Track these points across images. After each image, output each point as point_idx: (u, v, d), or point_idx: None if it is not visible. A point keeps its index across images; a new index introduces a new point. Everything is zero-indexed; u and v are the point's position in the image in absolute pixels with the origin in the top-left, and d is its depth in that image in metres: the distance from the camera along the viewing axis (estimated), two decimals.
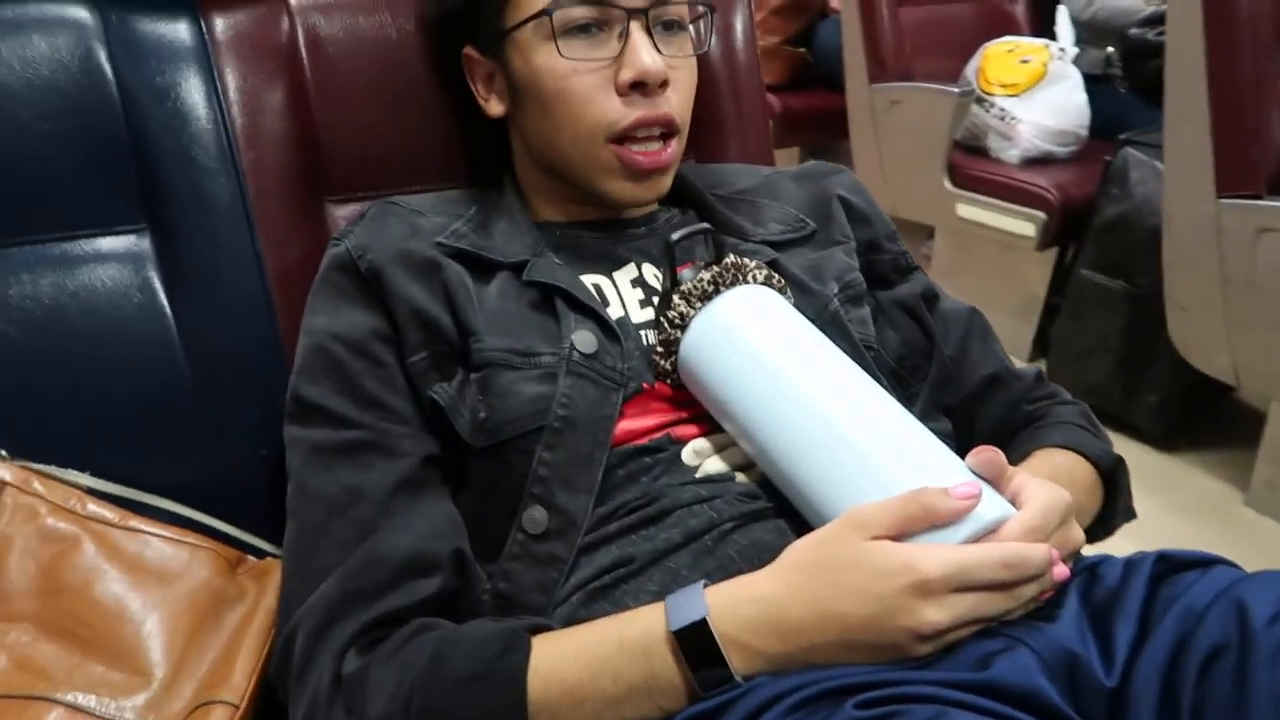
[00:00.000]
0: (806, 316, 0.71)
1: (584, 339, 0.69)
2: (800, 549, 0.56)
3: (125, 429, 0.75)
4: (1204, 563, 0.59)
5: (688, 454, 0.68)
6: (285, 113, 0.80)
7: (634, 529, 0.65)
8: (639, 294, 0.76)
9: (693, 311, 0.68)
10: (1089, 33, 2.31)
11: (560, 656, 0.57)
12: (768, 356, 0.66)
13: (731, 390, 0.66)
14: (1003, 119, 2.12)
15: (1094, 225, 1.88)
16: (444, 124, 0.87)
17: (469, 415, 0.67)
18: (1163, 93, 1.59)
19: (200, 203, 0.76)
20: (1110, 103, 2.20)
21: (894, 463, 0.59)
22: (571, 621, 0.62)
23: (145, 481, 0.73)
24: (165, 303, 0.75)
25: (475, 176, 0.87)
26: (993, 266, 2.21)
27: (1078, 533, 0.60)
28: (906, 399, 0.80)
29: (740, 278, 0.70)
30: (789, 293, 0.74)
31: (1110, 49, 2.25)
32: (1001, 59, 2.15)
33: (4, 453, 0.68)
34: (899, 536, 0.54)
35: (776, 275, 0.73)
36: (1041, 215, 1.99)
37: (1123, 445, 1.85)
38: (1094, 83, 2.20)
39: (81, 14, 0.74)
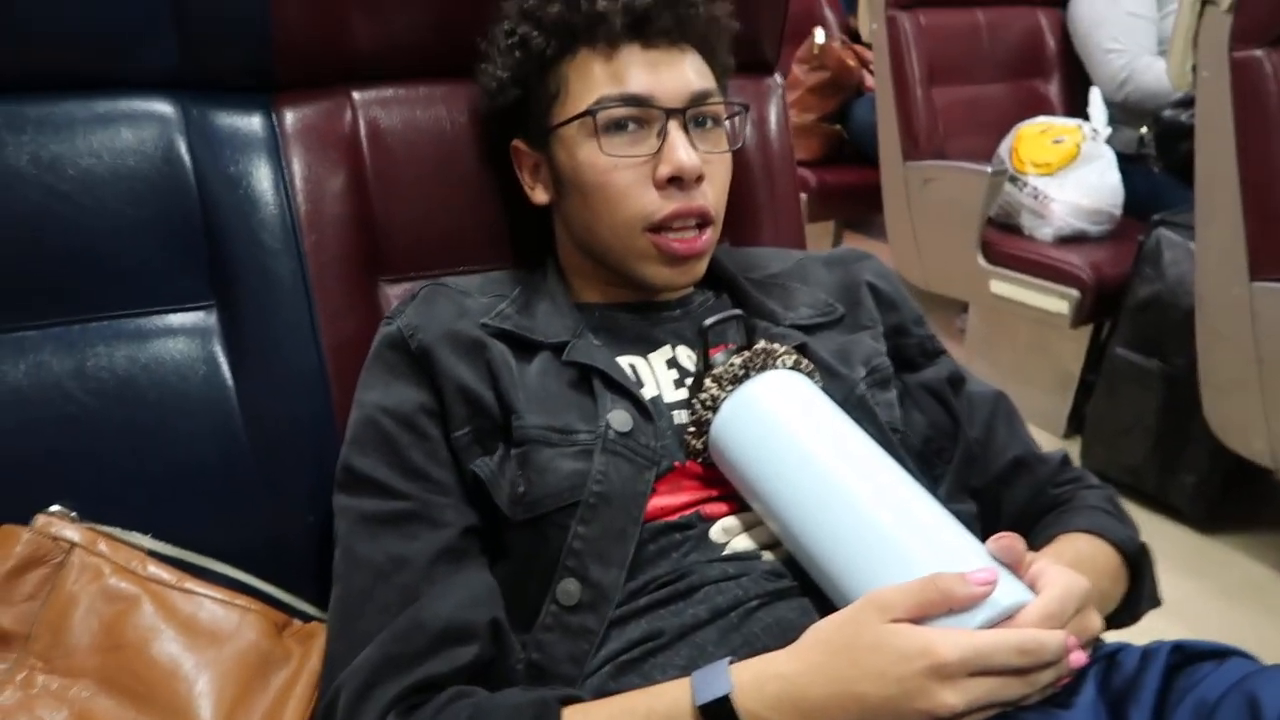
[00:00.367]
0: (834, 399, 0.74)
1: (619, 418, 0.72)
2: (822, 629, 0.59)
3: (185, 494, 0.79)
4: (1220, 654, 0.60)
5: (716, 531, 0.71)
6: (345, 198, 0.86)
7: (663, 604, 0.68)
8: (673, 375, 0.80)
9: (724, 394, 0.72)
10: (1122, 113, 2.34)
11: None
12: (794, 440, 0.68)
13: (759, 471, 0.69)
14: (1036, 198, 2.14)
15: (1128, 304, 1.89)
16: (492, 210, 0.92)
17: (508, 489, 0.70)
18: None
19: (264, 282, 0.81)
20: (1144, 182, 2.22)
21: (915, 546, 0.61)
22: (601, 693, 0.64)
23: (201, 544, 0.77)
24: (228, 375, 0.80)
25: (520, 259, 0.92)
26: (1027, 342, 2.22)
27: (1096, 620, 0.62)
28: (932, 480, 0.82)
29: (770, 363, 0.73)
30: (817, 376, 0.76)
31: (1144, 130, 2.28)
32: (1035, 139, 2.18)
33: (74, 515, 0.72)
34: (918, 619, 0.56)
35: (805, 360, 0.76)
36: (1075, 293, 2.00)
37: (1162, 527, 1.85)
38: (1128, 162, 2.23)
39: (166, 108, 0.81)
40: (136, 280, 0.79)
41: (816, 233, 2.98)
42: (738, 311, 0.78)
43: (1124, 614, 0.79)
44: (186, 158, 0.80)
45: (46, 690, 0.66)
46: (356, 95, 0.88)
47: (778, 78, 1.09)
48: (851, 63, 2.74)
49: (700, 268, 0.82)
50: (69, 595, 0.69)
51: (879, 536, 0.62)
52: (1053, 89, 2.53)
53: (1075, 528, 0.78)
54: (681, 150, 0.75)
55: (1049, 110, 2.45)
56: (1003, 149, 2.23)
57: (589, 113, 0.76)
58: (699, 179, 0.77)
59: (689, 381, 0.79)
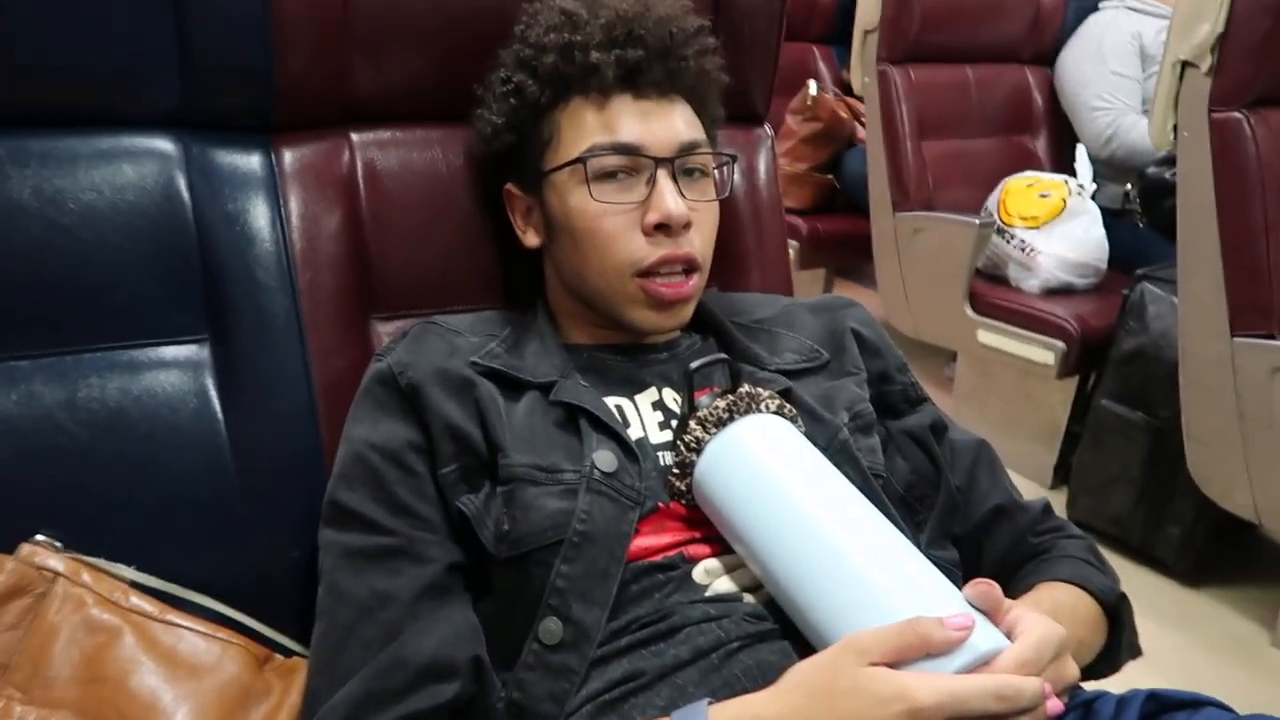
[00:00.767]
0: (817, 444, 0.75)
1: (604, 458, 0.73)
2: (801, 672, 0.59)
3: (172, 526, 0.79)
4: (1194, 704, 0.60)
5: (699, 573, 0.72)
6: (341, 237, 0.87)
7: (644, 644, 0.68)
8: (659, 416, 0.81)
9: (707, 437, 0.73)
10: (1108, 170, 2.39)
11: None
12: (776, 483, 0.69)
13: (741, 514, 0.69)
14: (1023, 250, 2.18)
15: (1113, 357, 1.91)
16: (484, 251, 0.94)
17: (493, 526, 0.71)
18: None
19: (258, 317, 0.82)
20: (1130, 237, 2.26)
21: (893, 591, 0.61)
22: None
23: (186, 576, 0.77)
24: (219, 409, 0.81)
25: (511, 300, 0.94)
26: (1014, 391, 2.24)
27: (1072, 668, 0.62)
28: (915, 526, 0.83)
29: (754, 406, 0.74)
30: (799, 421, 0.78)
31: (1129, 186, 2.32)
32: (1022, 193, 2.22)
33: (58, 544, 0.73)
34: (896, 663, 0.57)
35: (788, 405, 0.77)
36: (1061, 345, 2.03)
37: (1147, 579, 1.85)
38: (1114, 217, 2.27)
39: (167, 146, 0.82)
40: (131, 313, 0.79)
41: (807, 280, 3.02)
42: (723, 355, 0.79)
43: (1103, 663, 0.79)
44: (186, 194, 0.81)
45: None
46: (355, 136, 0.90)
47: (767, 128, 1.11)
48: (844, 114, 2.79)
49: (686, 312, 0.84)
50: (51, 626, 0.69)
51: (857, 580, 0.63)
52: (1040, 144, 2.58)
53: (1055, 576, 0.79)
54: (669, 198, 0.77)
55: (1036, 165, 2.50)
56: (991, 202, 2.28)
57: (580, 160, 0.78)
58: (686, 226, 0.79)
59: (674, 423, 0.80)
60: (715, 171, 0.85)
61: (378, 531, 0.71)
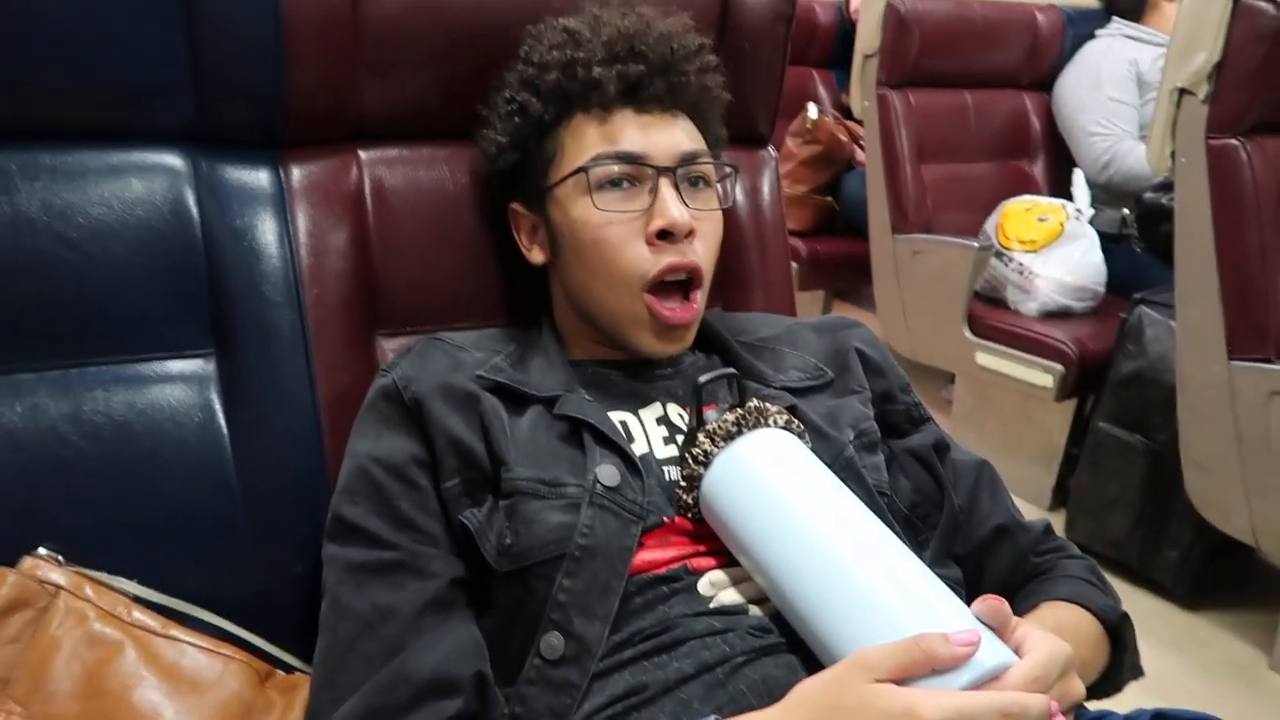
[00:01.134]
0: (823, 461, 0.75)
1: (607, 472, 0.73)
2: (808, 688, 0.59)
3: (175, 540, 0.79)
4: None
5: (704, 585, 0.72)
6: (347, 253, 0.88)
7: (647, 656, 0.68)
8: (663, 432, 0.81)
9: (716, 450, 0.73)
10: (1105, 194, 2.41)
11: None
12: (785, 497, 0.69)
13: (749, 527, 0.70)
14: (1021, 273, 2.19)
15: (1111, 379, 1.92)
16: (490, 269, 0.94)
17: (495, 540, 0.71)
18: None
19: (264, 333, 0.82)
20: (1128, 261, 2.27)
21: (901, 606, 0.62)
22: None
23: (188, 591, 0.77)
24: (223, 423, 0.81)
25: (516, 316, 0.94)
26: (1013, 414, 2.24)
27: (1078, 685, 0.62)
28: (918, 545, 0.83)
29: (762, 421, 0.75)
30: (807, 437, 0.78)
31: (1126, 211, 2.34)
32: (1020, 216, 2.24)
33: (61, 558, 0.72)
34: (903, 680, 0.57)
35: (796, 421, 0.78)
36: (1059, 367, 2.03)
37: (1146, 602, 1.85)
38: (1112, 241, 2.29)
39: (176, 161, 0.83)
40: (137, 327, 0.80)
41: (806, 301, 3.02)
42: (731, 370, 0.79)
43: (1105, 683, 0.79)
44: (194, 209, 0.82)
45: None
46: (363, 154, 0.91)
47: (771, 150, 1.12)
48: (843, 137, 2.81)
49: (689, 336, 0.84)
50: (52, 640, 0.69)
51: (865, 596, 0.63)
52: (1038, 169, 2.60)
53: (1057, 596, 0.79)
54: (672, 206, 0.78)
55: (1034, 189, 2.52)
56: (989, 225, 2.29)
57: (583, 169, 0.79)
58: (689, 234, 0.79)
59: (679, 438, 0.80)
60: (718, 184, 0.86)
61: (380, 546, 0.71)
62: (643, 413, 0.82)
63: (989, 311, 2.24)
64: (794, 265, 2.81)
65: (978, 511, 0.87)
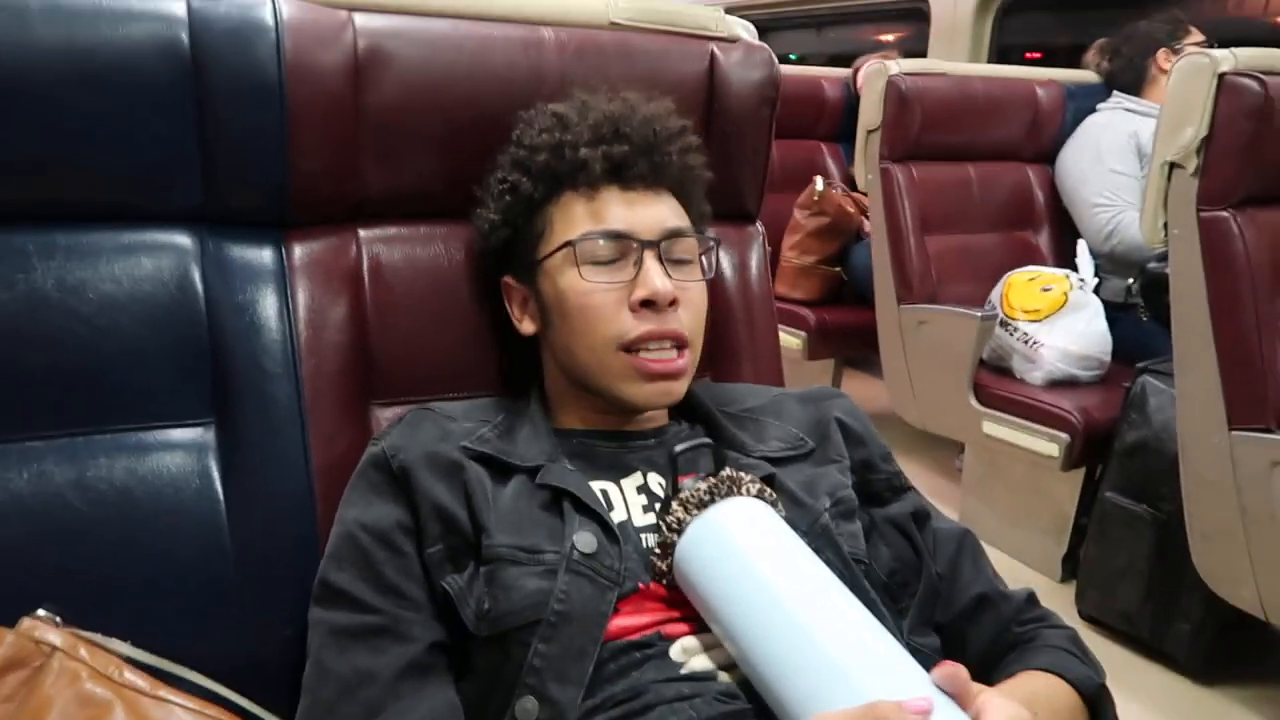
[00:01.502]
0: (799, 528, 0.77)
1: (585, 540, 0.75)
2: None
3: (171, 603, 0.82)
4: None
5: (675, 650, 0.73)
6: (345, 327, 0.92)
7: None
8: (643, 500, 0.83)
9: (689, 518, 0.75)
10: (1110, 264, 2.43)
11: None
12: (752, 564, 0.71)
13: (717, 593, 0.71)
14: (1026, 343, 2.21)
15: (1116, 449, 1.92)
16: (483, 342, 0.98)
17: (474, 605, 0.73)
18: None
19: (262, 403, 0.86)
20: (1134, 330, 2.28)
21: (859, 673, 0.63)
22: None
23: (182, 651, 0.78)
24: (220, 489, 0.84)
25: (507, 387, 0.97)
26: (1022, 483, 2.24)
27: None
28: (897, 613, 0.84)
29: (735, 489, 0.77)
30: (780, 505, 0.80)
31: (1131, 280, 2.36)
32: (1024, 286, 2.26)
33: (58, 619, 0.75)
34: None
35: (769, 489, 0.80)
36: (1065, 436, 2.03)
37: (1158, 677, 1.81)
38: (1118, 311, 2.30)
39: (185, 240, 0.87)
40: (141, 397, 0.83)
41: (816, 370, 3.04)
42: (707, 440, 0.82)
43: None
44: (199, 286, 0.86)
45: None
46: (363, 233, 0.96)
47: (759, 226, 1.16)
48: (850, 209, 2.86)
49: (678, 388, 0.86)
50: (45, 698, 0.71)
51: (825, 662, 0.64)
52: (1043, 239, 2.63)
53: (1034, 666, 0.79)
54: (656, 277, 0.81)
55: (1039, 259, 2.55)
56: (994, 295, 2.31)
57: (570, 243, 0.83)
58: (673, 304, 0.82)
59: (658, 506, 0.82)
60: (702, 257, 0.90)
61: (363, 610, 0.73)
62: (624, 482, 0.85)
63: (995, 381, 2.25)
64: (803, 334, 2.85)
65: (959, 580, 0.88)
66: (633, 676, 0.71)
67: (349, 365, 0.91)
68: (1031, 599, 0.89)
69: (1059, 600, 2.00)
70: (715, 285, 1.12)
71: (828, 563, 0.74)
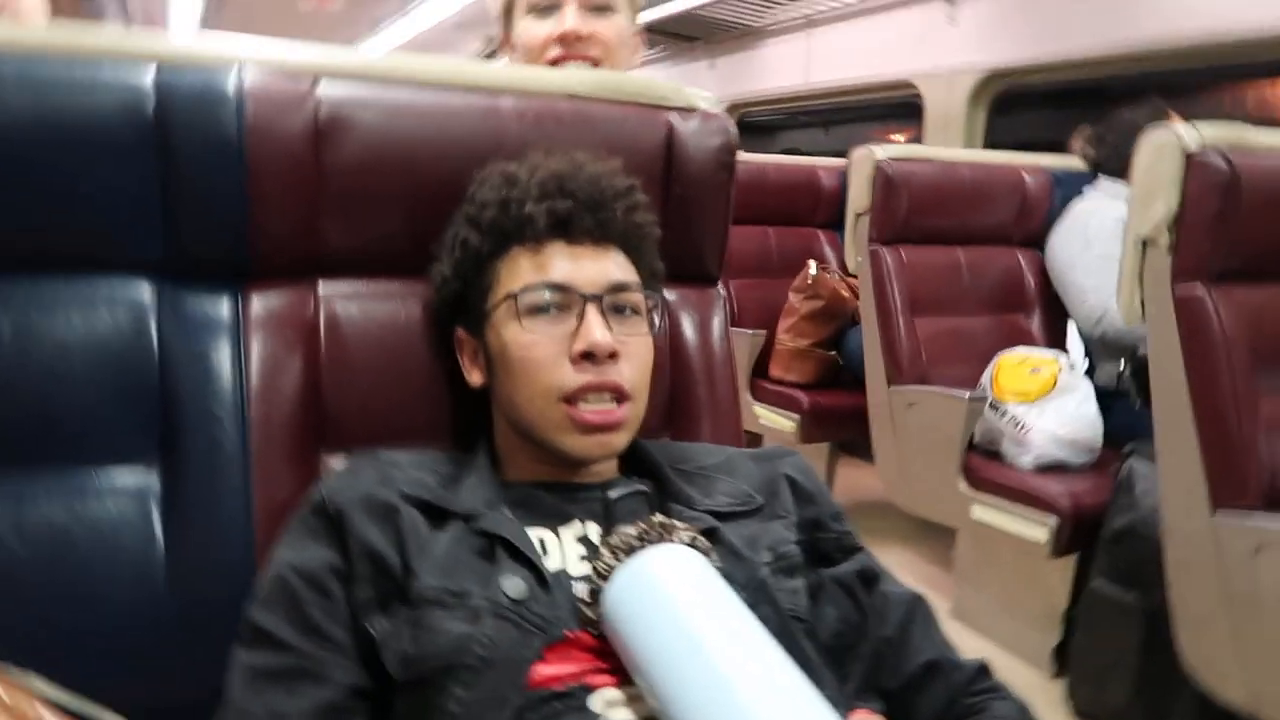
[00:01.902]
0: (735, 582, 0.76)
1: (514, 585, 0.75)
2: None
3: (105, 647, 0.82)
4: None
5: (596, 702, 0.72)
6: (298, 377, 0.93)
7: None
8: (580, 549, 0.83)
9: (617, 564, 0.74)
10: (1101, 348, 2.43)
11: None
12: (675, 614, 0.70)
13: (641, 643, 0.70)
14: (1016, 426, 2.19)
15: (1104, 535, 1.88)
16: (436, 394, 0.99)
17: (397, 649, 0.72)
18: None
19: (208, 447, 0.86)
20: (1127, 416, 2.26)
21: None
22: None
23: (117, 696, 0.77)
24: (159, 532, 0.84)
25: (457, 441, 0.98)
26: (1014, 571, 2.19)
27: None
28: (841, 678, 0.82)
29: (666, 536, 0.76)
30: (713, 556, 0.79)
31: (1122, 365, 2.35)
32: (1014, 369, 2.26)
33: None
34: None
35: (701, 538, 0.79)
36: (1054, 521, 2.00)
37: None
38: (1110, 397, 2.29)
39: (143, 291, 0.89)
40: (87, 436, 0.84)
41: (810, 454, 3.02)
42: (643, 486, 0.82)
43: None
44: (154, 334, 0.88)
45: None
46: (323, 287, 0.97)
47: (720, 289, 1.18)
48: (845, 293, 2.89)
49: (618, 441, 0.86)
50: None
51: (740, 714, 0.63)
52: (1033, 323, 2.64)
53: None
54: (596, 329, 0.83)
55: (1030, 342, 2.55)
56: (985, 377, 2.31)
57: (512, 295, 0.85)
58: (613, 356, 0.83)
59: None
60: (649, 314, 0.91)
61: (283, 650, 0.72)
62: (562, 530, 0.84)
63: (985, 464, 2.23)
64: (796, 417, 2.84)
65: (908, 645, 0.86)
66: None
67: (300, 414, 0.92)
68: (983, 669, 0.87)
69: (1051, 696, 1.93)
70: (676, 346, 1.13)
71: (764, 619, 0.73)
